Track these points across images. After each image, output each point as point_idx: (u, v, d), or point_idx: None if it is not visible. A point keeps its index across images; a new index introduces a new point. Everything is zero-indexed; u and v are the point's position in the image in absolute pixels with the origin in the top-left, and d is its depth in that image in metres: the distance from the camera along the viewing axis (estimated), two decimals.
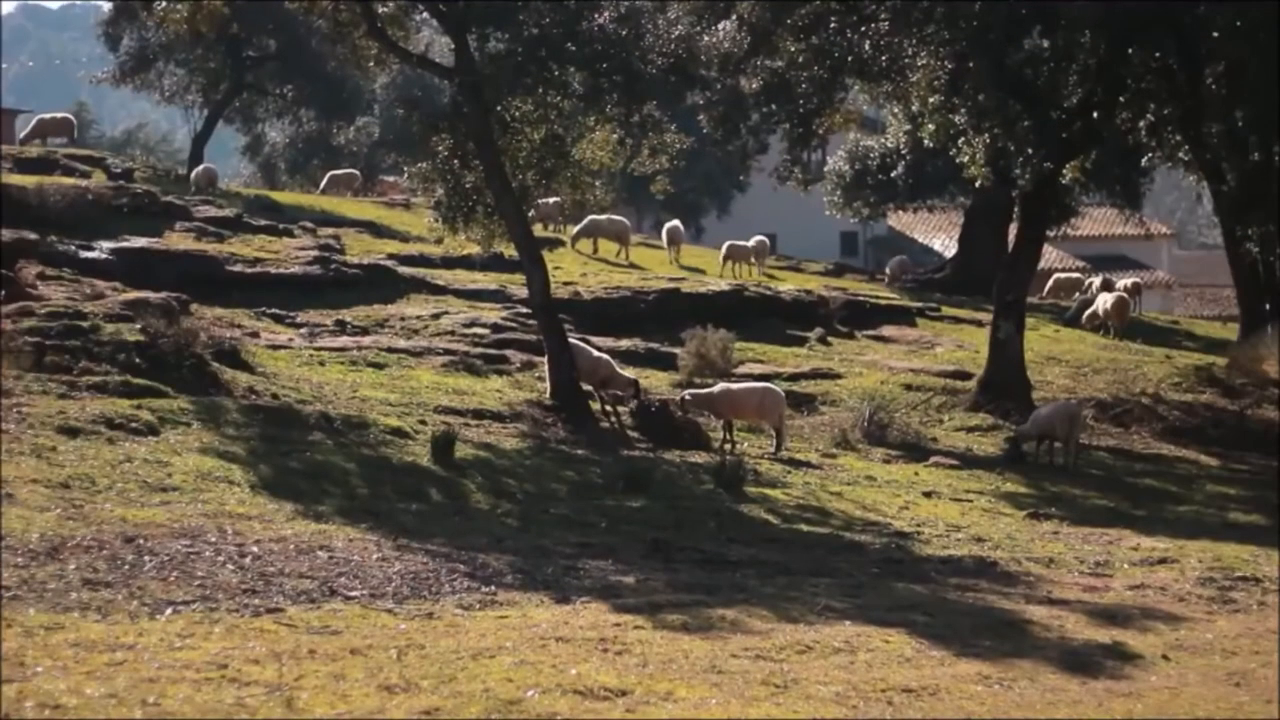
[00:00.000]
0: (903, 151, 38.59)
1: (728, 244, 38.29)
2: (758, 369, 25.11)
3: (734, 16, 24.61)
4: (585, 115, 21.45)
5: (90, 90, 74.99)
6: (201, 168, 38.58)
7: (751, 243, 37.60)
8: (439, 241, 25.38)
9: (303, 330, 23.32)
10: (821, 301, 31.14)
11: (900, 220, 58.83)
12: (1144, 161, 33.93)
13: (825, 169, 42.82)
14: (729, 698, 8.31)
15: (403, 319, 25.00)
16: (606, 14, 20.30)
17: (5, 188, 26.51)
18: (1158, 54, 24.93)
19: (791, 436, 20.77)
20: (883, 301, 33.69)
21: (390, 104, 52.69)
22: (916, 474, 19.46)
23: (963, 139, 24.57)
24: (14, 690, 7.27)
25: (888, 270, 43.38)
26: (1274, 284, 32.18)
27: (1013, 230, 29.21)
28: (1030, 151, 23.93)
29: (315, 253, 27.81)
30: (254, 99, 50.96)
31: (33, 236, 22.87)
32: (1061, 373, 28.44)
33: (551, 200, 31.61)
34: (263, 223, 30.64)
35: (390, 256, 29.66)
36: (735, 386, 20.85)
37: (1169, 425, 25.15)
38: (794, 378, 24.90)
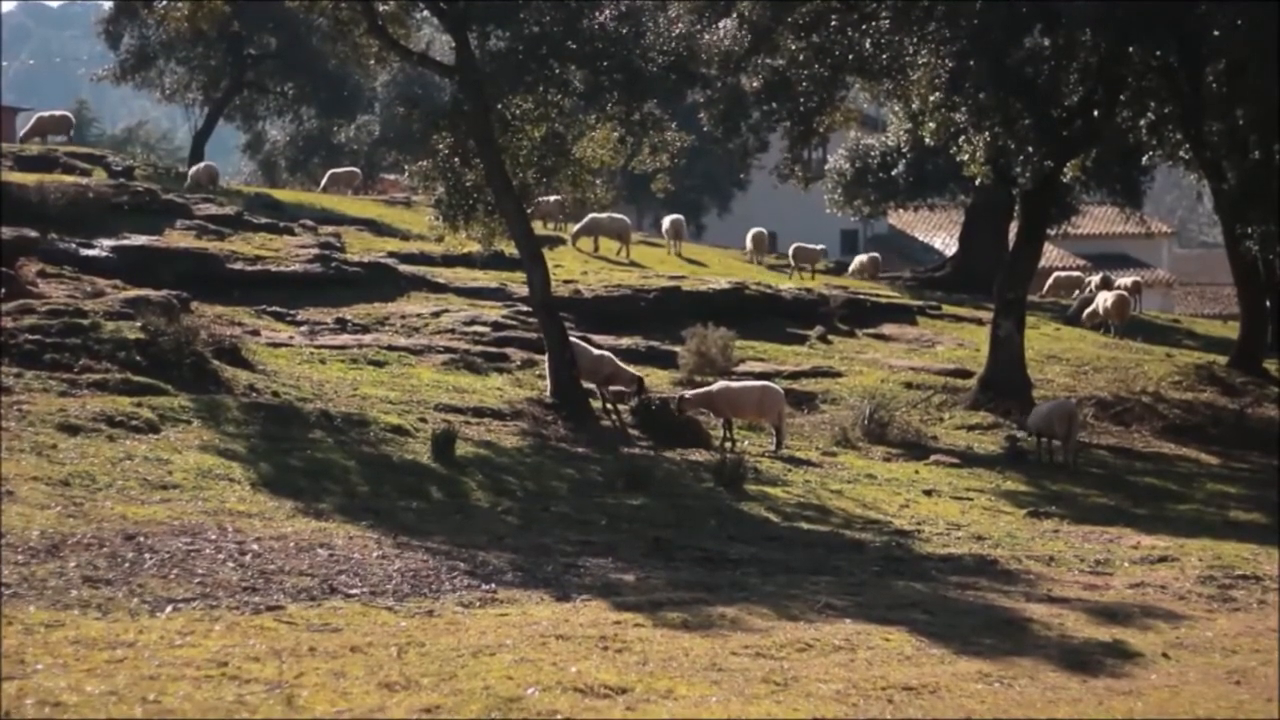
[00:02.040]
0: (903, 150, 38.56)
1: (795, 245, 38.65)
2: (758, 367, 25.11)
3: (735, 15, 24.61)
4: (586, 113, 21.46)
5: (91, 88, 74.99)
6: (202, 165, 38.58)
7: (819, 246, 39.04)
8: (439, 239, 25.35)
9: (303, 328, 23.31)
10: (822, 300, 31.15)
11: (901, 218, 58.86)
12: (1144, 160, 33.91)
13: (826, 167, 42.81)
14: (729, 695, 8.30)
15: (403, 317, 25.00)
16: (607, 12, 20.30)
17: (6, 185, 26.50)
18: (1158, 52, 24.92)
19: (792, 435, 20.77)
20: (883, 300, 33.69)
21: (391, 102, 52.66)
22: (917, 472, 19.46)
23: (963, 137, 24.56)
24: (14, 688, 7.27)
25: (851, 268, 41.58)
26: (1274, 282, 32.18)
27: (1013, 228, 29.21)
28: (1031, 150, 23.93)
29: (316, 251, 27.79)
30: (254, 97, 50.98)
31: (33, 234, 22.84)
32: (1062, 371, 28.45)
33: (552, 198, 31.64)
34: (263, 221, 30.61)
35: (391, 254, 29.65)
36: (734, 385, 20.85)
37: (1169, 424, 25.16)
38: (794, 376, 24.92)
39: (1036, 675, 9.40)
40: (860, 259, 42.31)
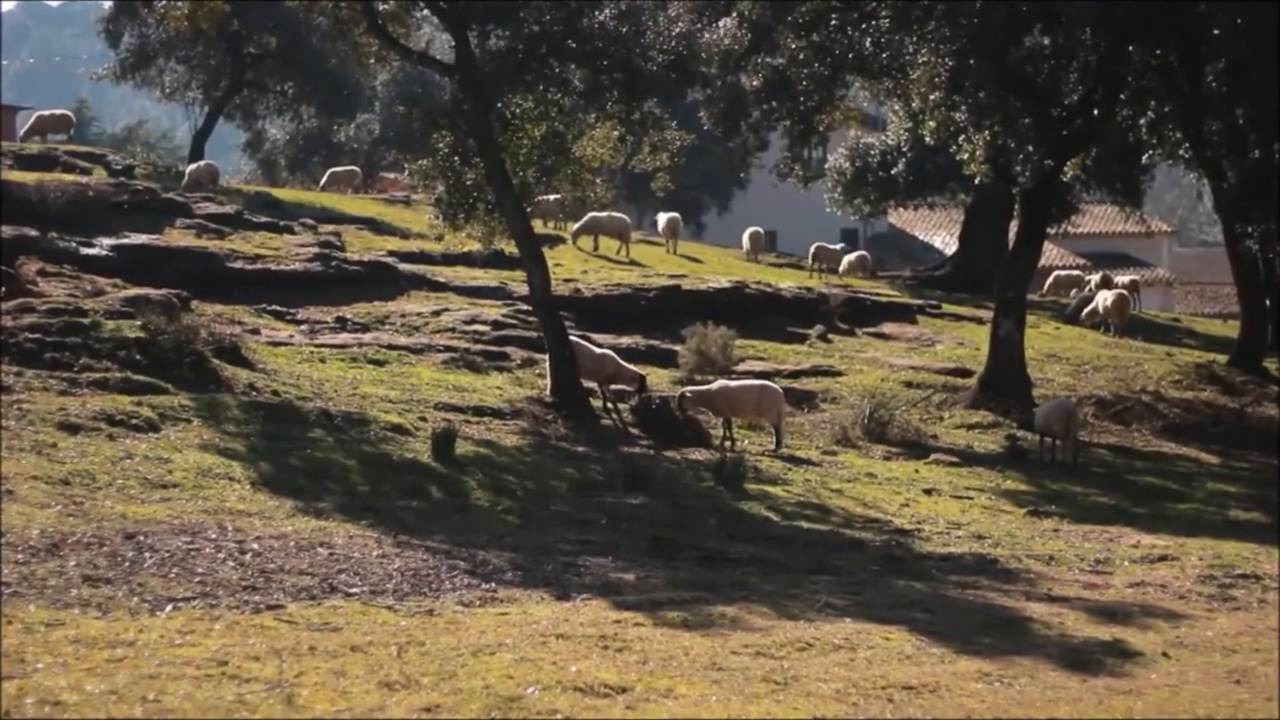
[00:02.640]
0: (903, 148, 38.43)
1: (815, 245, 38.52)
2: (758, 366, 25.09)
3: (735, 14, 24.60)
4: (586, 112, 21.46)
5: (91, 87, 74.89)
6: (202, 164, 38.49)
7: (838, 246, 38.94)
8: (439, 238, 25.34)
9: (303, 327, 23.31)
10: (822, 298, 31.14)
11: (901, 217, 58.77)
12: (1144, 159, 33.88)
13: (826, 166, 42.68)
14: (729, 695, 8.31)
15: (403, 316, 25.00)
16: (607, 11, 20.31)
17: (6, 184, 26.49)
18: (1158, 51, 24.90)
19: (792, 434, 20.77)
20: (884, 299, 33.66)
21: (391, 101, 52.60)
22: (917, 471, 19.46)
23: (963, 136, 24.54)
24: (14, 687, 7.27)
25: (840, 268, 39.57)
26: (1274, 281, 32.18)
27: (1013, 227, 29.20)
28: (1031, 149, 23.92)
29: (316, 249, 27.79)
30: (254, 96, 50.87)
31: (33, 233, 22.85)
32: (1062, 370, 28.43)
33: (552, 197, 31.58)
34: (263, 219, 30.60)
35: (391, 253, 29.64)
36: (733, 384, 20.85)
37: (1169, 423, 25.15)
38: (795, 375, 24.90)
39: (1036, 674, 9.41)
40: (849, 258, 40.44)
